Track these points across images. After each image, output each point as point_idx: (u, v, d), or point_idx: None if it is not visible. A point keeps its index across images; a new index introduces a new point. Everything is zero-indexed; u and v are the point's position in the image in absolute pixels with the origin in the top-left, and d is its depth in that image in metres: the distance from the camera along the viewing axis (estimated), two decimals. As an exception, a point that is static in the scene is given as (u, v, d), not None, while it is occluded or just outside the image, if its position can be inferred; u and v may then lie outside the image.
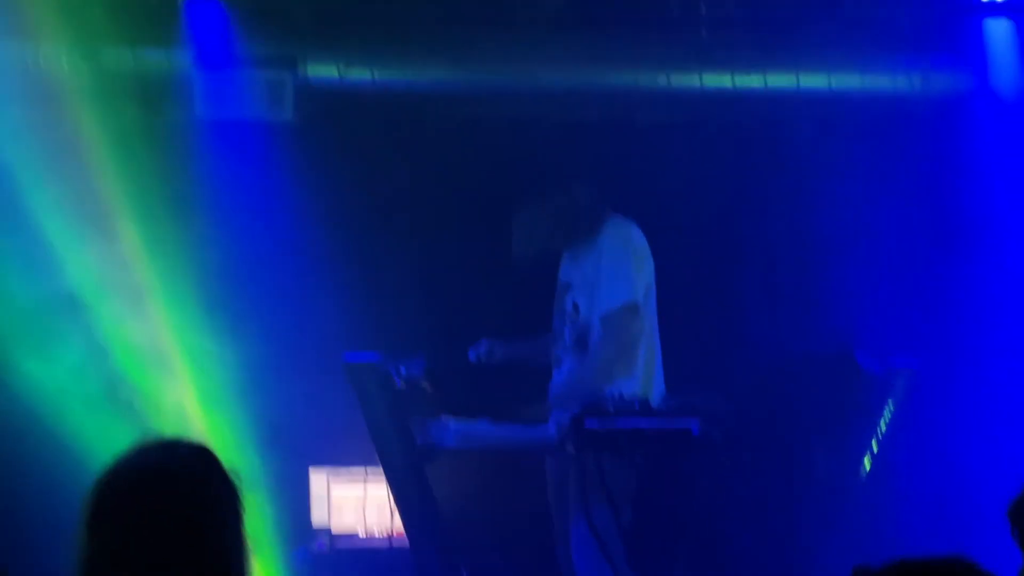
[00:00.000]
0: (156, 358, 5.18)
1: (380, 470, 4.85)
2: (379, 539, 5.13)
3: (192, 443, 2.27)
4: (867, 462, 4.70)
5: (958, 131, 5.39)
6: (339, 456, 5.34)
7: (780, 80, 5.52)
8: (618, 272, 4.62)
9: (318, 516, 5.35)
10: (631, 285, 4.61)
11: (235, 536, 2.22)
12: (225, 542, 2.20)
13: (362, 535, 5.22)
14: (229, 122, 5.31)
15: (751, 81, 5.51)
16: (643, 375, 4.65)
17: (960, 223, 5.28)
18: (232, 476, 2.25)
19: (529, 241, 4.78)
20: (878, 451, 4.70)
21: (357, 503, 5.22)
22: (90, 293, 5.19)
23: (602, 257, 4.66)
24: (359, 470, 5.31)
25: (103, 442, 4.41)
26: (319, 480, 5.42)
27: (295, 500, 5.32)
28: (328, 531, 5.33)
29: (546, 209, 4.72)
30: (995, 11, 5.44)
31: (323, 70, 5.42)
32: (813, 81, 5.52)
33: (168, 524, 2.16)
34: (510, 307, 5.25)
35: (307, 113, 5.48)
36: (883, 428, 4.69)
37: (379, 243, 5.41)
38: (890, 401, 4.72)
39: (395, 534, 4.85)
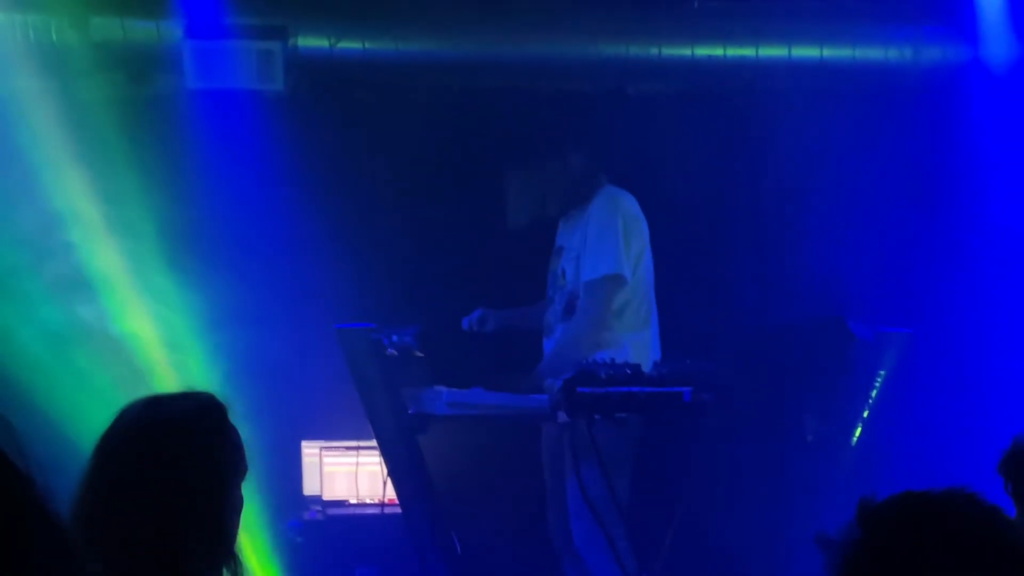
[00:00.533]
0: (145, 343, 5.17)
1: (372, 443, 4.86)
2: (371, 507, 5.14)
3: (203, 396, 2.28)
4: (858, 429, 4.71)
5: (950, 102, 5.39)
6: (332, 430, 5.35)
7: (772, 51, 5.51)
8: (603, 241, 4.62)
9: (310, 486, 5.36)
10: (616, 255, 4.61)
11: (227, 492, 2.23)
12: (215, 496, 2.21)
13: (354, 503, 5.23)
14: (219, 92, 5.28)
15: (743, 52, 5.49)
16: (635, 342, 4.65)
17: (950, 194, 5.28)
18: (235, 433, 2.26)
19: (523, 207, 4.77)
20: (869, 418, 4.71)
21: (349, 473, 5.23)
22: (79, 278, 5.19)
23: (589, 225, 4.66)
24: (352, 443, 5.31)
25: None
26: (311, 452, 5.42)
27: (288, 474, 5.32)
28: (320, 499, 5.33)
29: (541, 175, 4.71)
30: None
31: (313, 41, 5.40)
32: (805, 52, 5.51)
33: (162, 470, 2.18)
34: (504, 275, 5.25)
35: (297, 84, 5.46)
36: (874, 395, 4.70)
37: (371, 213, 5.40)
38: (881, 368, 4.72)
39: (387, 502, 4.85)
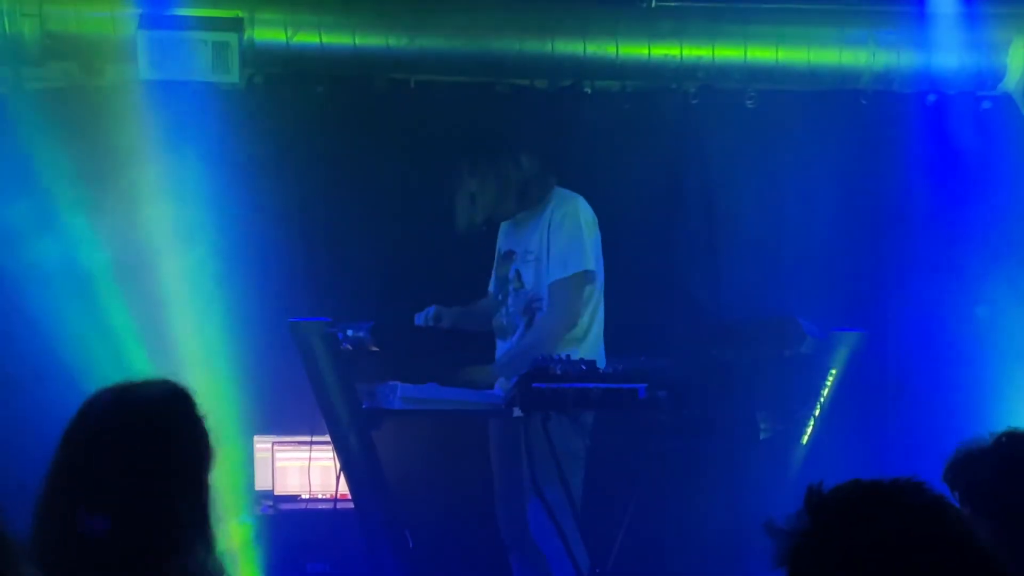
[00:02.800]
0: (97, 335, 5.13)
1: (325, 437, 4.85)
2: (323, 502, 5.11)
3: (169, 385, 2.27)
4: (809, 427, 4.76)
5: (902, 106, 5.45)
6: (284, 425, 5.32)
7: (727, 52, 5.55)
8: (570, 243, 4.64)
9: (262, 481, 5.33)
10: (583, 255, 4.64)
11: (198, 480, 2.22)
12: (188, 484, 2.20)
13: (306, 498, 5.20)
14: (173, 84, 5.24)
15: (699, 52, 5.53)
16: (590, 341, 4.68)
17: (902, 197, 5.34)
18: (203, 421, 2.25)
19: (474, 210, 4.77)
20: (820, 416, 4.75)
21: (301, 468, 5.20)
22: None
23: (551, 229, 4.67)
24: (304, 438, 5.28)
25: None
26: (263, 447, 5.39)
27: (239, 469, 5.29)
28: (271, 494, 5.30)
29: (493, 178, 4.71)
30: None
31: (270, 33, 5.38)
32: (760, 54, 5.56)
33: (133, 460, 2.17)
34: (459, 272, 5.25)
35: (253, 76, 5.43)
36: (825, 394, 4.75)
37: (325, 207, 5.37)
38: (832, 367, 4.77)
39: (340, 497, 4.84)
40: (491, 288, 4.93)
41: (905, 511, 1.50)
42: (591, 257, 4.65)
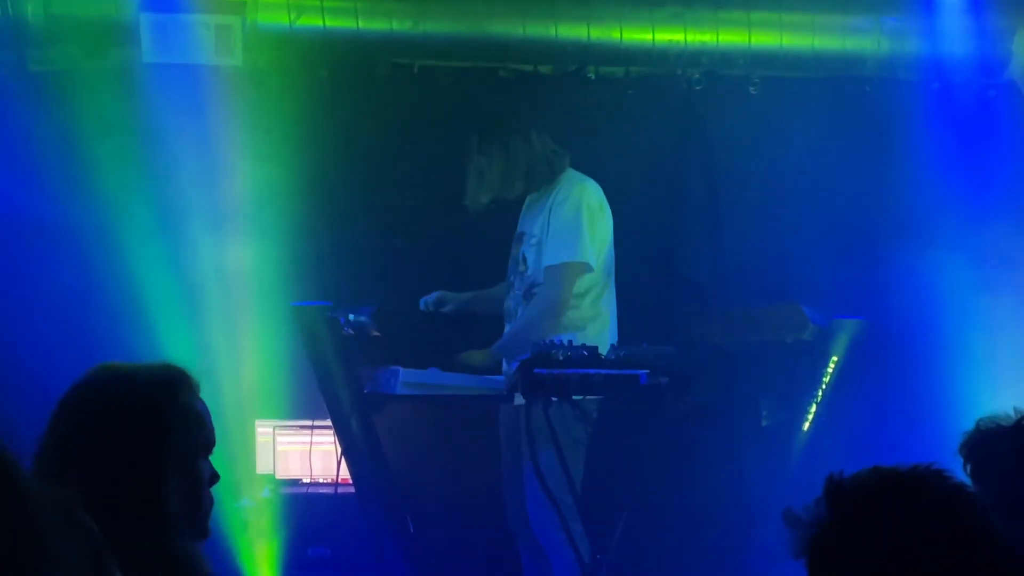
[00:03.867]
0: (95, 319, 5.12)
1: (326, 422, 4.85)
2: (325, 486, 5.12)
3: (167, 368, 2.25)
4: (811, 413, 4.76)
5: (907, 93, 5.43)
6: (286, 409, 5.32)
7: (731, 37, 5.54)
8: (567, 228, 4.61)
9: (263, 465, 5.33)
10: (579, 243, 4.60)
11: (193, 464, 2.20)
12: (181, 469, 2.18)
13: (307, 482, 5.21)
14: (176, 67, 5.23)
15: (703, 37, 5.52)
16: (596, 329, 4.66)
17: (905, 183, 5.33)
18: (199, 405, 2.24)
19: (482, 188, 4.75)
20: (822, 402, 4.75)
21: (303, 452, 5.20)
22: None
23: (552, 212, 4.65)
24: (306, 422, 5.28)
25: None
26: (265, 431, 5.39)
27: (241, 453, 5.29)
28: (273, 478, 5.31)
29: (501, 156, 4.69)
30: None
31: (273, 16, 5.36)
32: (764, 39, 5.54)
33: (125, 443, 2.15)
34: (463, 256, 5.24)
35: (256, 60, 5.42)
36: (827, 380, 4.75)
37: (328, 191, 5.36)
38: (834, 354, 4.77)
39: (341, 481, 4.84)
40: (509, 272, 4.92)
41: (926, 500, 1.50)
42: (588, 247, 4.60)
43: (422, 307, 4.95)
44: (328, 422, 4.84)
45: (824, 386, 4.76)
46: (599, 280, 4.68)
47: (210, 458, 2.30)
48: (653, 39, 5.52)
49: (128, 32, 5.20)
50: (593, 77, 5.66)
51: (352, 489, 4.84)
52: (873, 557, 1.46)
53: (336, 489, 4.90)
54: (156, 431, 2.19)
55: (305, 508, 5.13)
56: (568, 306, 4.58)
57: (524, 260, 4.74)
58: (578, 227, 4.60)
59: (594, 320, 4.68)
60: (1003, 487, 2.52)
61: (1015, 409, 2.59)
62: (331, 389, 4.59)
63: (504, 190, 4.75)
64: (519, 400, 4.44)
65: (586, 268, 4.60)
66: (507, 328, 4.82)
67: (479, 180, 4.73)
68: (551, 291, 4.59)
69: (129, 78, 5.25)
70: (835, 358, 4.77)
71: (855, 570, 1.47)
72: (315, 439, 5.09)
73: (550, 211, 4.65)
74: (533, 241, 4.70)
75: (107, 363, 2.25)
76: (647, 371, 4.27)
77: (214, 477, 2.26)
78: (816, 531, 1.50)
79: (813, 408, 4.77)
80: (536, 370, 4.23)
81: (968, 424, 2.60)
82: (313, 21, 5.38)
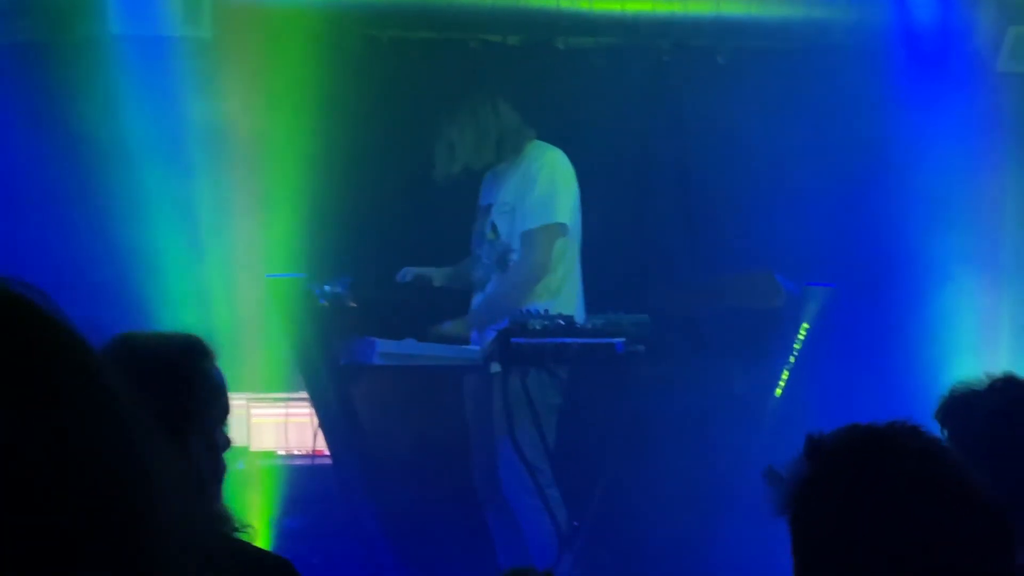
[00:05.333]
0: (74, 296, 5.06)
1: (301, 394, 4.85)
2: (300, 458, 5.12)
3: (186, 337, 2.28)
4: (783, 380, 4.81)
5: (875, 61, 5.47)
6: (259, 382, 5.31)
7: (699, 6, 5.55)
8: (544, 195, 4.64)
9: (237, 437, 5.31)
10: (555, 208, 4.64)
11: (213, 430, 2.23)
12: (198, 435, 2.21)
13: (282, 454, 5.21)
14: (144, 38, 5.18)
15: (671, 7, 5.53)
16: (565, 294, 4.69)
17: (874, 152, 5.37)
18: (214, 376, 2.26)
19: (451, 159, 4.76)
20: (794, 369, 4.80)
21: (277, 424, 5.20)
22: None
23: (526, 180, 4.67)
24: (280, 395, 5.28)
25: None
26: (238, 404, 5.38)
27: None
28: (246, 450, 5.30)
29: (472, 126, 4.70)
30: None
31: (242, -14, 5.32)
32: (733, 8, 5.56)
33: (135, 402, 2.16)
34: (435, 229, 5.25)
35: (225, 31, 5.37)
36: (798, 347, 4.80)
37: (300, 162, 5.33)
38: (805, 321, 4.82)
39: (316, 453, 4.85)
40: (473, 245, 4.93)
41: (903, 454, 1.54)
42: (565, 210, 4.65)
43: (399, 279, 4.95)
44: (303, 394, 4.84)
45: (796, 353, 4.81)
46: (571, 246, 4.71)
47: None
48: (622, 8, 5.53)
49: (95, 3, 5.14)
50: (562, 48, 5.66)
51: (328, 460, 4.85)
52: (853, 511, 1.50)
53: (312, 460, 4.91)
54: (185, 400, 2.21)
55: (280, 480, 5.13)
56: (548, 268, 4.61)
57: (494, 229, 4.75)
58: (553, 191, 4.65)
59: (567, 287, 4.71)
60: (979, 451, 2.56)
61: (986, 374, 2.63)
62: (307, 361, 4.59)
63: (474, 159, 4.76)
64: (495, 369, 4.46)
65: (565, 230, 4.63)
66: (476, 298, 4.83)
67: (449, 150, 4.74)
68: (532, 255, 4.62)
69: (97, 50, 5.19)
70: (806, 325, 4.82)
71: (836, 524, 1.51)
72: (291, 411, 5.09)
73: (523, 178, 4.68)
74: (506, 209, 4.72)
75: (127, 333, 2.26)
76: (623, 339, 4.31)
77: (227, 443, 2.29)
78: (797, 487, 1.54)
79: (785, 375, 4.82)
80: (513, 339, 4.27)
81: (941, 389, 2.64)
82: (282, -10, 5.34)
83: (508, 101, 4.79)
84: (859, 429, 1.60)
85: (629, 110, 5.60)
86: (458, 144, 4.70)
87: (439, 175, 4.81)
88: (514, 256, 4.68)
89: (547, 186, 4.64)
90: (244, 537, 2.28)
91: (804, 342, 4.80)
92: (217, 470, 2.25)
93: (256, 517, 5.05)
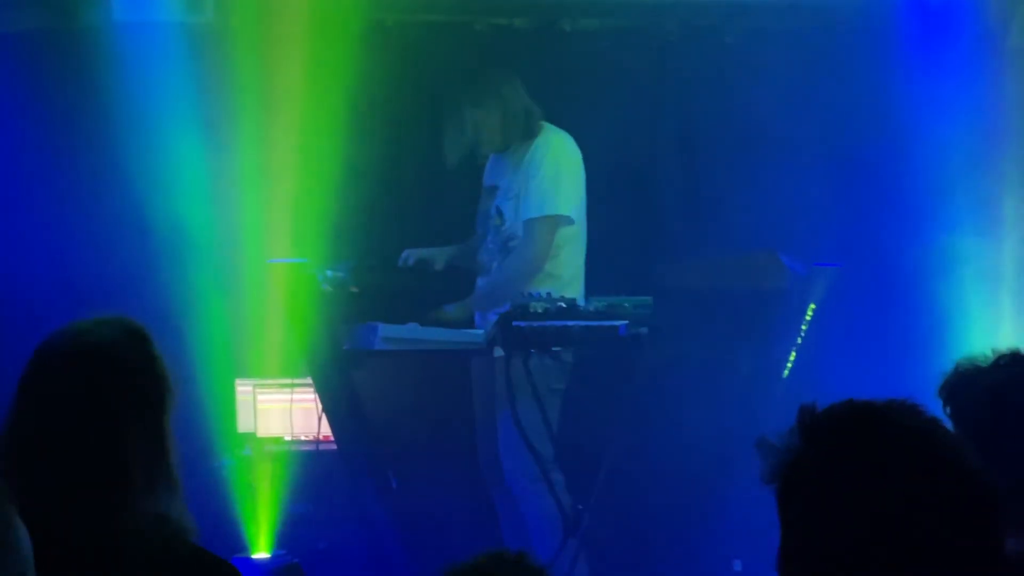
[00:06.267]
0: (72, 285, 5.08)
1: (307, 380, 4.84)
2: (306, 444, 5.11)
3: (126, 322, 2.24)
4: (790, 361, 4.77)
5: (882, 38, 5.41)
6: (265, 367, 5.30)
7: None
8: (547, 183, 4.61)
9: (244, 423, 5.32)
10: (559, 196, 4.62)
11: (161, 416, 2.20)
12: (149, 421, 2.18)
13: (288, 440, 5.20)
14: (147, 24, 5.18)
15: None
16: (572, 279, 4.67)
17: (881, 129, 5.32)
18: (159, 363, 2.23)
19: (459, 143, 4.73)
20: (800, 350, 4.76)
21: (283, 410, 5.19)
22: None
23: (532, 165, 4.65)
24: (286, 380, 5.28)
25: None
26: (245, 390, 5.38)
27: (221, 412, 5.28)
28: (254, 436, 5.30)
29: (498, 106, 4.66)
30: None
31: (244, -31, 5.31)
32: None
33: (81, 397, 2.15)
34: (440, 211, 5.23)
35: (228, 15, 5.36)
36: (804, 328, 4.76)
37: (304, 146, 5.32)
38: (811, 301, 4.78)
39: (322, 438, 4.84)
40: (478, 226, 4.91)
41: (898, 431, 1.50)
42: (568, 200, 4.62)
43: (401, 263, 4.93)
44: (308, 380, 4.83)
45: (802, 334, 4.77)
46: (576, 232, 4.69)
47: (192, 417, 2.30)
48: (627, -11, 5.50)
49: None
50: (569, 30, 5.63)
51: (334, 446, 4.84)
52: (841, 484, 1.47)
53: (318, 446, 4.90)
54: (126, 390, 2.18)
55: (287, 465, 5.13)
56: (547, 258, 4.59)
57: (500, 213, 4.73)
58: (557, 180, 4.61)
59: (571, 272, 4.69)
60: (982, 427, 2.53)
61: (992, 350, 2.59)
62: (309, 346, 4.58)
63: (481, 146, 4.73)
64: (498, 353, 4.44)
65: (567, 221, 4.60)
66: (480, 281, 4.82)
67: (457, 135, 4.70)
68: (531, 244, 4.59)
69: (99, 37, 5.19)
70: (813, 305, 4.78)
71: (823, 496, 1.48)
72: (296, 397, 5.08)
73: (528, 164, 4.65)
74: (511, 195, 4.69)
75: (64, 327, 2.24)
76: (626, 322, 4.28)
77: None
78: (786, 458, 1.51)
79: (792, 356, 4.78)
80: (515, 323, 4.24)
81: (949, 368, 2.60)
82: (285, -26, 5.32)
83: (517, 85, 4.76)
84: (854, 404, 1.57)
85: (636, 91, 5.56)
86: (484, 125, 4.66)
87: (446, 159, 4.78)
88: (515, 243, 4.66)
89: (551, 174, 4.60)
90: (190, 538, 2.19)
91: (811, 323, 4.76)
92: (165, 462, 2.19)
93: (263, 503, 5.06)
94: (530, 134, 4.67)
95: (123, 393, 2.18)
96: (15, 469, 2.13)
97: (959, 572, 1.44)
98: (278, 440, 5.25)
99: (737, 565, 4.75)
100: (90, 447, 2.13)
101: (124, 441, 2.15)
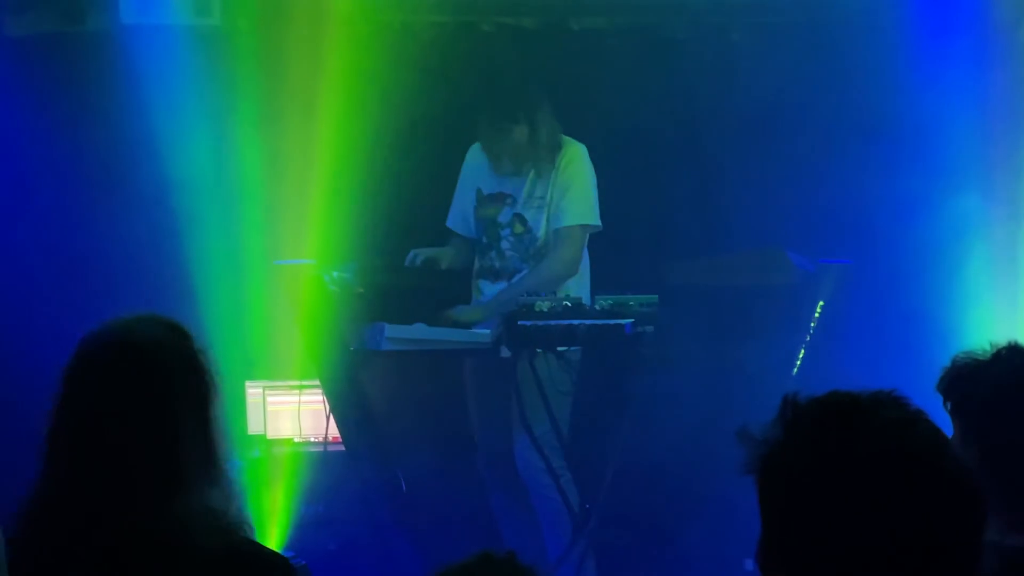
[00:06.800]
0: (86, 286, 5.11)
1: (315, 381, 4.84)
2: (315, 445, 5.12)
3: (169, 320, 2.25)
4: (799, 358, 4.75)
5: (888, 32, 5.38)
6: (274, 369, 5.31)
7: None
8: (580, 193, 4.71)
9: (254, 425, 5.33)
10: (591, 205, 4.72)
11: (188, 406, 2.20)
12: (176, 413, 2.19)
13: (298, 441, 5.21)
14: (155, 27, 5.19)
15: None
16: (580, 280, 4.68)
17: (889, 124, 5.29)
18: (194, 351, 2.23)
19: (506, 159, 4.79)
20: (809, 347, 4.74)
21: (292, 412, 5.20)
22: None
23: (562, 175, 4.70)
24: (294, 382, 5.28)
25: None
26: (255, 392, 5.39)
27: (232, 415, 5.28)
28: (264, 438, 5.31)
29: (527, 131, 4.70)
30: None
31: (251, -28, 5.33)
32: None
33: (132, 393, 2.16)
34: (445, 213, 5.22)
35: (235, 18, 5.37)
36: (813, 325, 4.74)
37: (311, 149, 5.33)
38: (820, 298, 4.76)
39: (331, 440, 4.84)
40: (466, 230, 4.89)
41: (879, 424, 1.49)
42: (596, 211, 4.74)
43: (408, 263, 4.94)
44: (317, 381, 4.83)
45: (811, 331, 4.75)
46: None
47: None
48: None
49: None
50: (576, 29, 5.62)
51: (342, 447, 4.84)
52: (819, 475, 1.46)
53: (326, 447, 4.90)
54: (173, 385, 2.19)
55: (297, 467, 5.14)
56: (580, 262, 4.70)
57: (522, 221, 4.76)
58: (590, 190, 4.72)
59: (582, 273, 4.71)
60: (982, 420, 2.51)
61: (991, 344, 2.56)
62: (316, 347, 4.58)
63: (527, 165, 4.76)
64: (505, 352, 4.44)
65: (596, 229, 4.75)
66: (485, 284, 4.80)
67: (508, 154, 4.72)
68: (568, 249, 4.68)
69: (107, 40, 5.22)
70: (821, 303, 4.75)
71: (801, 487, 1.47)
72: (304, 398, 5.09)
73: (561, 176, 4.70)
74: (537, 203, 4.72)
75: (104, 325, 2.23)
76: (632, 320, 4.27)
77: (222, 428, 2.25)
78: (766, 450, 1.50)
79: (801, 353, 4.76)
80: (520, 322, 4.24)
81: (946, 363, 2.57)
82: (292, -24, 5.33)
83: (542, 105, 4.78)
84: (837, 395, 1.56)
85: (643, 89, 5.54)
86: (517, 150, 4.70)
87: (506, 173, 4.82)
88: (552, 249, 4.70)
89: (583, 185, 4.72)
90: (244, 532, 2.21)
91: (820, 320, 4.73)
92: (213, 455, 2.19)
93: (274, 505, 5.06)
94: (554, 153, 4.69)
95: (174, 387, 2.18)
96: (65, 464, 2.13)
97: (936, 565, 1.42)
98: (288, 442, 5.26)
99: (749, 564, 4.73)
100: (144, 441, 2.14)
101: (176, 434, 2.15)
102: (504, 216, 4.79)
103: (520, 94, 4.81)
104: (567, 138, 4.80)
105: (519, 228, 4.76)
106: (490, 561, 1.74)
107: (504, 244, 4.79)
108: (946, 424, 2.45)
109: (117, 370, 2.17)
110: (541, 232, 4.72)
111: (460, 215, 4.90)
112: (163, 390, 2.17)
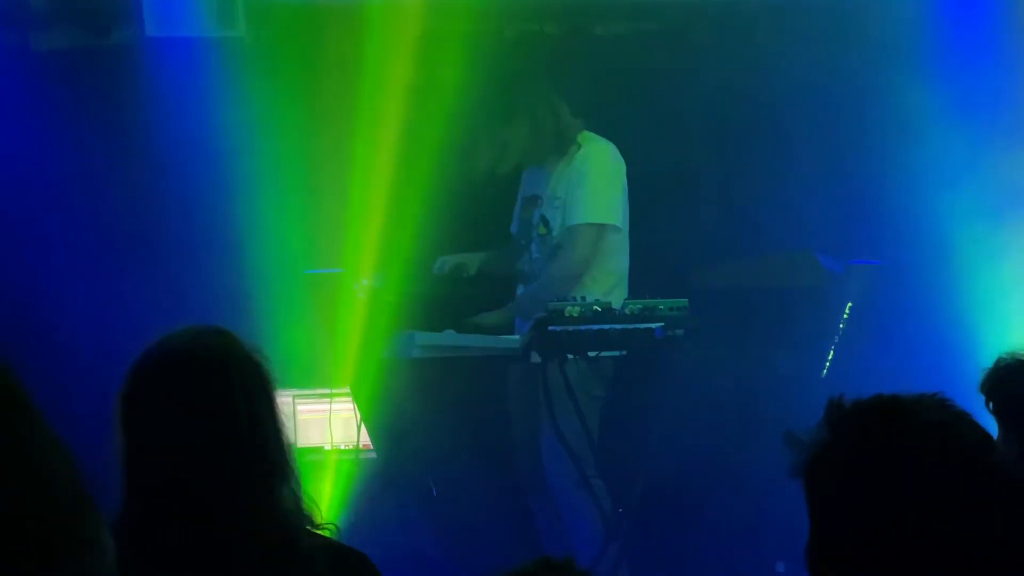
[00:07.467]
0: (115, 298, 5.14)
1: (345, 389, 4.85)
2: (345, 453, 5.13)
3: (212, 328, 2.27)
4: (828, 360, 4.74)
5: (914, 28, 5.37)
6: (303, 378, 5.33)
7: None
8: (593, 191, 4.62)
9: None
10: (605, 205, 4.62)
11: (265, 409, 2.23)
12: (257, 415, 2.22)
13: (328, 449, 5.22)
14: (179, 40, 5.22)
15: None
16: (614, 286, 4.66)
17: (918, 123, 5.27)
18: (255, 354, 2.26)
19: (504, 157, 4.74)
20: (839, 349, 4.73)
21: (322, 420, 5.21)
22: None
23: (578, 174, 4.65)
24: (324, 391, 5.30)
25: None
26: (284, 401, 5.40)
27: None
28: (294, 447, 5.32)
29: (528, 128, 4.67)
30: None
31: (275, -17, 5.35)
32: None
33: (198, 406, 2.18)
34: (473, 219, 5.24)
35: (259, 30, 5.40)
36: (843, 327, 4.73)
37: (337, 158, 5.35)
38: (849, 300, 4.75)
39: (362, 448, 4.85)
40: (513, 231, 4.91)
41: (924, 427, 1.50)
42: (613, 208, 4.62)
43: (436, 270, 4.95)
44: (347, 389, 4.84)
45: (840, 333, 4.74)
46: (624, 240, 4.68)
47: None
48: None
49: (130, 8, 5.19)
50: (600, 34, 5.63)
51: (374, 455, 4.85)
52: (866, 477, 1.47)
53: (358, 456, 4.91)
54: (244, 392, 2.21)
55: (327, 475, 5.15)
56: (591, 265, 4.59)
57: (545, 223, 4.73)
58: (603, 189, 4.62)
59: (615, 280, 4.69)
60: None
61: None
62: (346, 355, 4.60)
63: (531, 159, 4.73)
64: (535, 359, 4.44)
65: (614, 230, 4.63)
66: (521, 289, 4.82)
67: (502, 149, 4.71)
68: (573, 248, 4.60)
69: (133, 54, 5.25)
70: (850, 304, 4.74)
71: (848, 489, 1.48)
72: (335, 406, 5.10)
73: (573, 173, 4.65)
74: (557, 204, 4.70)
75: (159, 342, 2.24)
76: (662, 324, 4.26)
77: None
78: (813, 452, 1.51)
79: (830, 355, 4.75)
80: (551, 327, 4.24)
81: (988, 365, 2.57)
82: (315, -14, 5.35)
83: (558, 92, 4.76)
84: (881, 398, 1.57)
85: (667, 94, 5.54)
86: (514, 145, 4.67)
87: (485, 171, 4.79)
88: (561, 248, 4.67)
89: (596, 182, 4.61)
90: (325, 533, 2.25)
91: (849, 321, 4.73)
92: (287, 456, 2.22)
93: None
94: (563, 147, 4.67)
95: (251, 391, 2.20)
96: (149, 478, 2.16)
97: (983, 565, 1.43)
98: (318, 450, 5.27)
99: (780, 567, 4.72)
100: (225, 447, 2.16)
101: (254, 437, 2.19)
102: (535, 218, 4.78)
103: (521, 85, 4.76)
104: (589, 134, 4.72)
105: (542, 230, 4.75)
106: (549, 566, 1.76)
107: (533, 247, 4.79)
108: (988, 425, 2.45)
109: (189, 381, 2.19)
110: (557, 234, 4.70)
111: (515, 220, 4.90)
112: (242, 395, 2.20)
